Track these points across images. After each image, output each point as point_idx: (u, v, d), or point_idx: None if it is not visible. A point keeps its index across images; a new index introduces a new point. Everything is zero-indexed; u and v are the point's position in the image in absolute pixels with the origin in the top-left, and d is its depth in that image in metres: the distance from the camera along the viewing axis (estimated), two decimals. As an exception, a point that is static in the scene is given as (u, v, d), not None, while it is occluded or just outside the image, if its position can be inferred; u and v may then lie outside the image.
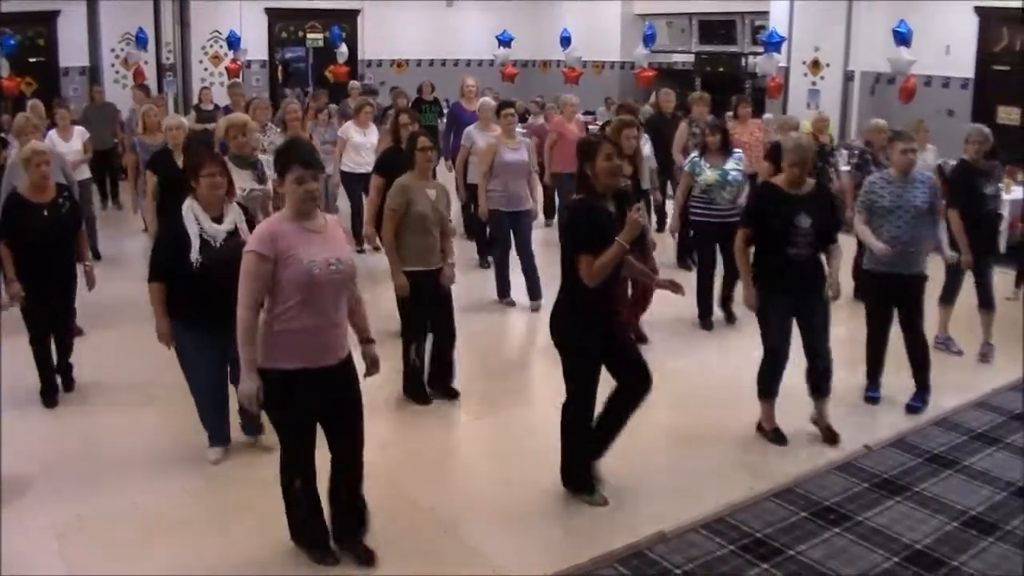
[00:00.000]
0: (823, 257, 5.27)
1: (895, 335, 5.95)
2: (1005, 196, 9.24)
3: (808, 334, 5.31)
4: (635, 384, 4.55)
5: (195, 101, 14.18)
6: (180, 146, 7.17)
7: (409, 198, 5.66)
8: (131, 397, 5.86)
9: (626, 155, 6.05)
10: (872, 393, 6.02)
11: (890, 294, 5.90)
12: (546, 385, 6.39)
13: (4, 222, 5.62)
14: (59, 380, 5.87)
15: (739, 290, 6.17)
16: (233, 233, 4.75)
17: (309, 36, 17.67)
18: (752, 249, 5.33)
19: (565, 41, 15.45)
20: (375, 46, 18.18)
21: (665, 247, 8.97)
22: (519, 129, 9.06)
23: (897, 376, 6.06)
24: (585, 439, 4.61)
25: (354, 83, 14.45)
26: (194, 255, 4.68)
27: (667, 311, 7.33)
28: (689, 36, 17.07)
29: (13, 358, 5.81)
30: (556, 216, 10.98)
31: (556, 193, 10.44)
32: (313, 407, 3.86)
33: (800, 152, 5.16)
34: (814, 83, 13.97)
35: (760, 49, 14.03)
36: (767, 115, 12.20)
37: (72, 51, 15.58)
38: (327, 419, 3.93)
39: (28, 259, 5.55)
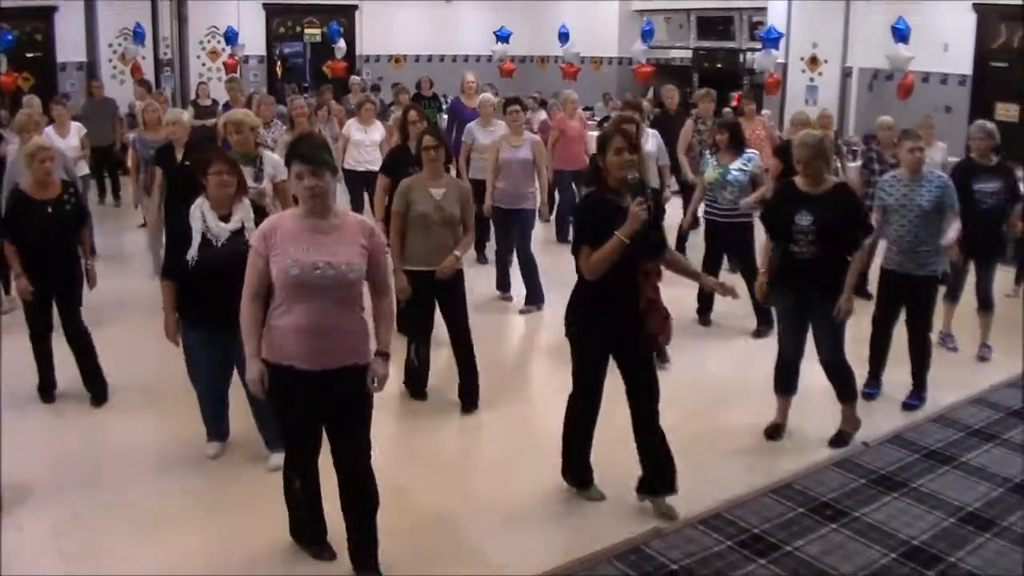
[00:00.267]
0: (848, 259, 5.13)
1: (899, 333, 5.96)
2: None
3: (814, 333, 5.29)
4: (636, 394, 4.46)
5: (192, 96, 14.17)
6: (181, 141, 7.17)
7: (410, 199, 5.63)
8: (130, 395, 5.85)
9: None
10: (869, 390, 6.02)
11: (899, 293, 5.90)
12: (545, 383, 6.43)
13: (7, 219, 5.63)
14: (88, 390, 5.78)
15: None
16: (239, 232, 4.65)
17: (307, 31, 17.65)
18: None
19: (563, 37, 15.46)
20: (373, 42, 18.17)
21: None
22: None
23: (896, 373, 6.07)
24: (585, 434, 4.60)
25: (355, 79, 14.45)
26: (191, 254, 4.67)
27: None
28: (687, 32, 17.07)
29: (11, 357, 5.80)
30: (554, 213, 11.01)
31: (557, 190, 10.45)
32: (312, 408, 3.80)
33: (804, 149, 5.09)
34: (812, 79, 13.97)
35: (758, 45, 14.05)
36: (764, 111, 12.21)
37: (69, 46, 15.54)
38: (329, 424, 3.85)
39: (30, 257, 5.53)
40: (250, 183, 6.04)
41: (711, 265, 7.38)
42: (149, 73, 15.36)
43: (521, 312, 7.81)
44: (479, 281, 8.30)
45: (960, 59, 12.23)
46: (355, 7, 17.89)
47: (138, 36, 15.51)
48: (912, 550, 4.22)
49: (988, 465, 5.10)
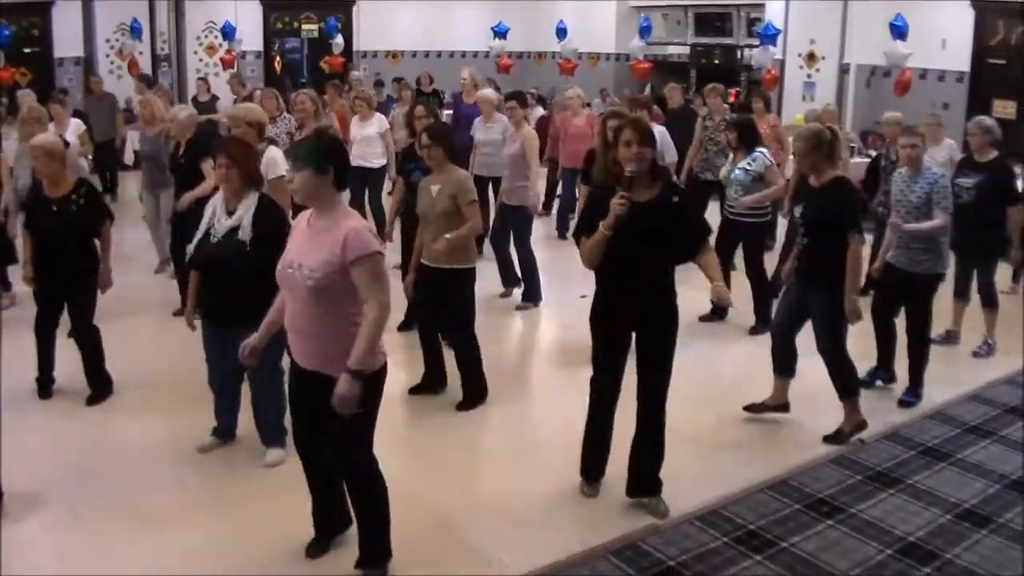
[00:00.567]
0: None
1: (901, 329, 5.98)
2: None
3: (812, 323, 5.34)
4: (641, 390, 4.43)
5: (192, 92, 14.18)
6: (181, 137, 7.23)
7: (417, 199, 5.76)
8: (127, 391, 5.83)
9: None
10: (868, 378, 6.02)
11: (896, 288, 5.93)
12: (544, 381, 6.43)
13: (25, 212, 5.80)
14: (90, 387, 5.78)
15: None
16: (236, 229, 4.56)
17: (304, 27, 17.61)
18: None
19: (561, 33, 15.44)
20: (370, 37, 18.14)
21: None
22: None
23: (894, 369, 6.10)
24: (592, 424, 4.58)
25: (356, 74, 14.41)
26: (189, 247, 4.70)
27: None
28: (685, 28, 17.05)
29: (10, 355, 5.79)
30: (555, 209, 11.02)
31: (560, 187, 10.47)
32: (299, 403, 3.85)
33: (800, 142, 5.17)
34: (809, 76, 13.97)
35: (756, 41, 14.04)
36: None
37: (67, 41, 15.50)
38: (322, 423, 3.77)
39: (40, 252, 5.56)
40: None
41: (720, 259, 7.34)
42: (146, 69, 15.33)
43: (517, 308, 7.81)
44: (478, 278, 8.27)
45: (958, 56, 12.23)
46: (352, 2, 17.86)
47: (135, 31, 15.48)
48: (908, 546, 4.23)
49: (985, 462, 5.11)
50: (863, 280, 5.81)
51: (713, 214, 7.91)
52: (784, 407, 5.61)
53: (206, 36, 16.78)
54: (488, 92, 8.99)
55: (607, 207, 4.13)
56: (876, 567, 4.07)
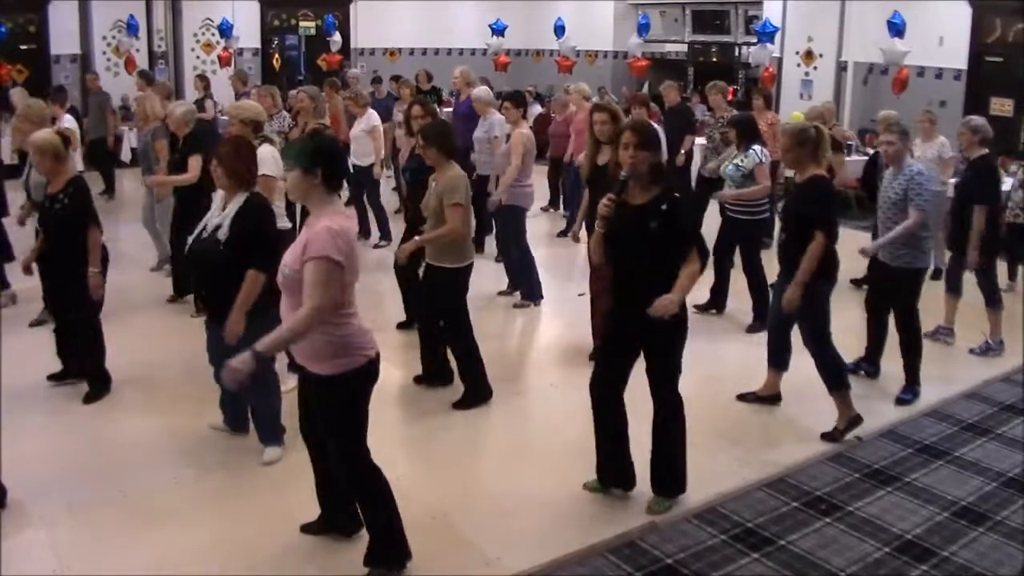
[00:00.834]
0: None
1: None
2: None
3: (796, 319, 5.39)
4: (655, 401, 4.43)
5: (190, 89, 14.17)
6: (178, 134, 7.25)
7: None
8: (124, 387, 5.83)
9: (601, 142, 6.05)
10: (854, 365, 6.06)
11: (881, 282, 5.99)
12: (541, 378, 6.42)
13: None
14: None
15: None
16: (219, 227, 4.60)
17: (302, 24, 17.59)
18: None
19: (559, 30, 15.45)
20: (368, 35, 18.12)
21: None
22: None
23: (889, 366, 6.10)
24: (596, 429, 4.55)
25: (353, 71, 14.40)
26: (189, 240, 4.80)
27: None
28: (682, 26, 17.05)
29: (9, 352, 5.79)
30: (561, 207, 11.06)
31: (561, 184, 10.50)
32: (303, 398, 3.93)
33: (783, 138, 5.35)
34: (807, 73, 13.97)
35: (753, 39, 14.04)
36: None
37: (63, 38, 15.48)
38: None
39: (41, 248, 5.64)
40: None
41: (718, 255, 7.38)
42: (143, 65, 15.29)
43: (515, 307, 7.81)
44: (476, 276, 8.27)
45: (955, 53, 12.23)
46: (350, 0, 17.84)
47: (132, 28, 15.46)
48: (906, 544, 4.24)
49: (982, 459, 5.12)
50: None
51: (713, 212, 7.93)
52: (776, 398, 5.66)
53: (203, 33, 16.75)
54: (479, 91, 9.00)
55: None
56: (873, 564, 4.08)
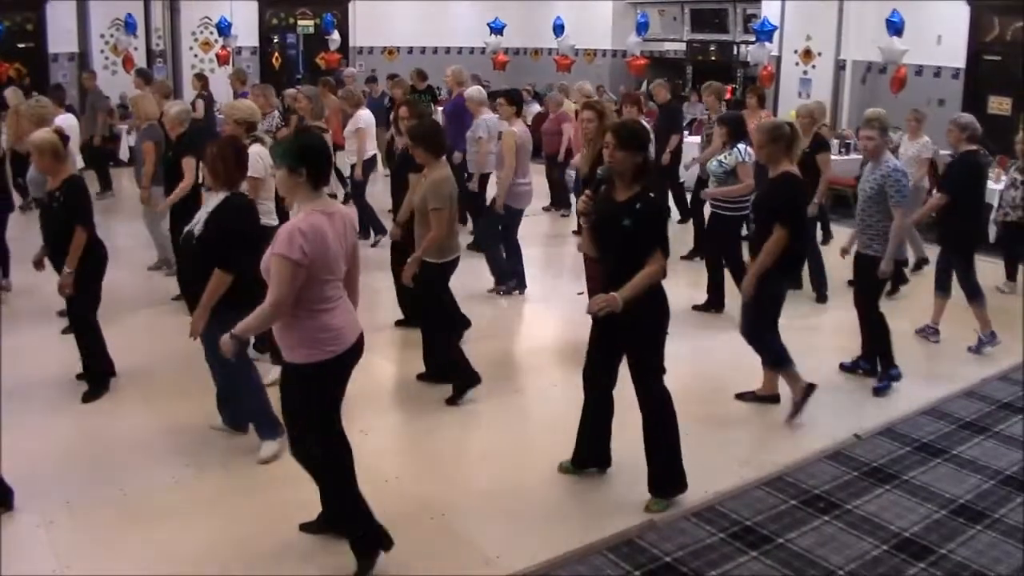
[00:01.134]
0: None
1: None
2: (992, 185, 9.31)
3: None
4: (639, 399, 4.47)
5: (188, 88, 14.14)
6: (172, 133, 7.24)
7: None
8: (124, 386, 5.83)
9: (589, 139, 6.10)
10: (852, 364, 6.22)
11: (856, 272, 6.16)
12: (539, 375, 6.42)
13: None
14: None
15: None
16: (198, 223, 4.76)
17: (300, 23, 17.58)
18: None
19: (558, 29, 15.44)
20: (367, 33, 18.11)
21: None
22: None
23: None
24: (582, 411, 4.67)
25: (350, 70, 14.39)
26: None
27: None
28: (681, 24, 17.05)
29: (9, 352, 5.80)
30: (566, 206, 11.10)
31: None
32: None
33: (757, 134, 5.53)
34: (805, 72, 13.98)
35: (752, 38, 14.04)
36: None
37: (61, 37, 15.46)
38: None
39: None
40: None
41: (707, 253, 7.43)
42: (141, 64, 15.25)
43: (490, 291, 7.92)
44: (476, 274, 8.29)
45: (953, 52, 12.24)
46: (348, -2, 17.86)
47: (130, 27, 15.42)
48: (904, 542, 4.24)
49: (979, 457, 5.13)
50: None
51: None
52: (774, 398, 5.68)
53: (201, 32, 16.73)
54: (471, 90, 9.03)
55: (595, 203, 4.37)
56: (871, 562, 4.09)
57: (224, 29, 15.85)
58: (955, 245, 6.82)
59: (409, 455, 5.15)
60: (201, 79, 13.13)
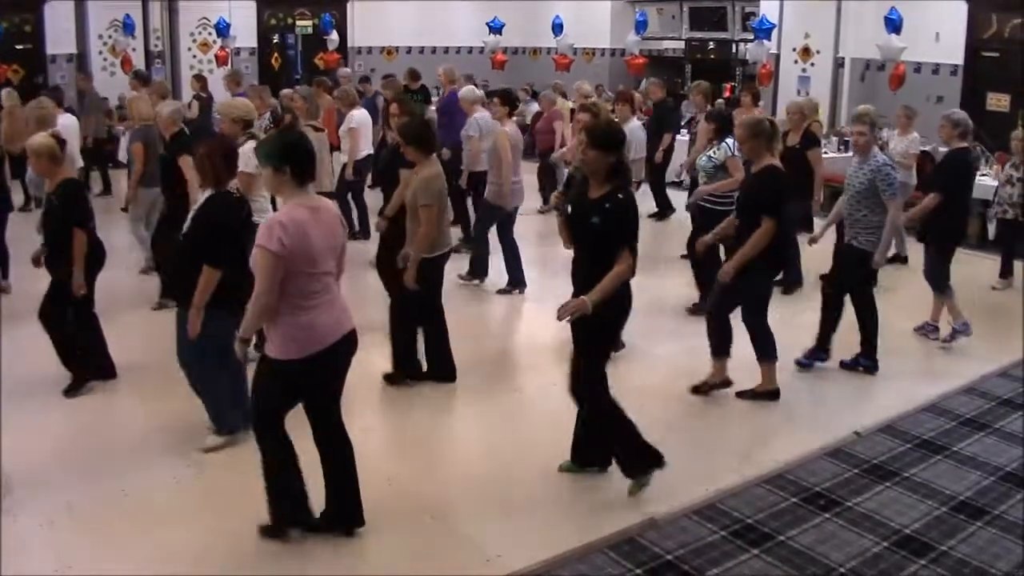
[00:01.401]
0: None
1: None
2: (990, 182, 9.34)
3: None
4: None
5: (186, 89, 14.14)
6: (166, 133, 7.29)
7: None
8: (123, 385, 5.84)
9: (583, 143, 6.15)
10: (849, 361, 6.26)
11: (841, 264, 6.29)
12: (538, 372, 6.42)
13: None
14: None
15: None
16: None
17: (298, 23, 17.58)
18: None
19: (557, 28, 15.43)
20: (365, 33, 18.10)
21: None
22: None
23: (888, 362, 6.10)
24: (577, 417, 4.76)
25: (345, 70, 14.39)
26: None
27: (655, 297, 7.38)
28: (680, 23, 17.03)
29: (7, 349, 5.80)
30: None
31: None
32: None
33: (738, 129, 5.69)
34: (804, 70, 13.97)
35: (750, 36, 14.04)
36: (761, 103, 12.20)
37: (59, 38, 15.46)
38: None
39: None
40: None
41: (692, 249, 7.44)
42: (140, 65, 15.26)
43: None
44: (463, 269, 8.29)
45: (952, 49, 12.24)
46: (347, -2, 17.85)
47: (128, 28, 15.42)
48: (904, 539, 4.25)
49: (980, 454, 5.13)
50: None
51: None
52: (774, 394, 5.71)
53: (200, 32, 16.72)
54: (464, 90, 9.06)
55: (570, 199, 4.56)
56: (872, 559, 4.09)
57: (222, 30, 15.84)
58: (937, 240, 6.83)
59: (409, 454, 5.15)
60: (200, 80, 13.11)
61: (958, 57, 12.27)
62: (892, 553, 4.13)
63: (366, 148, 9.62)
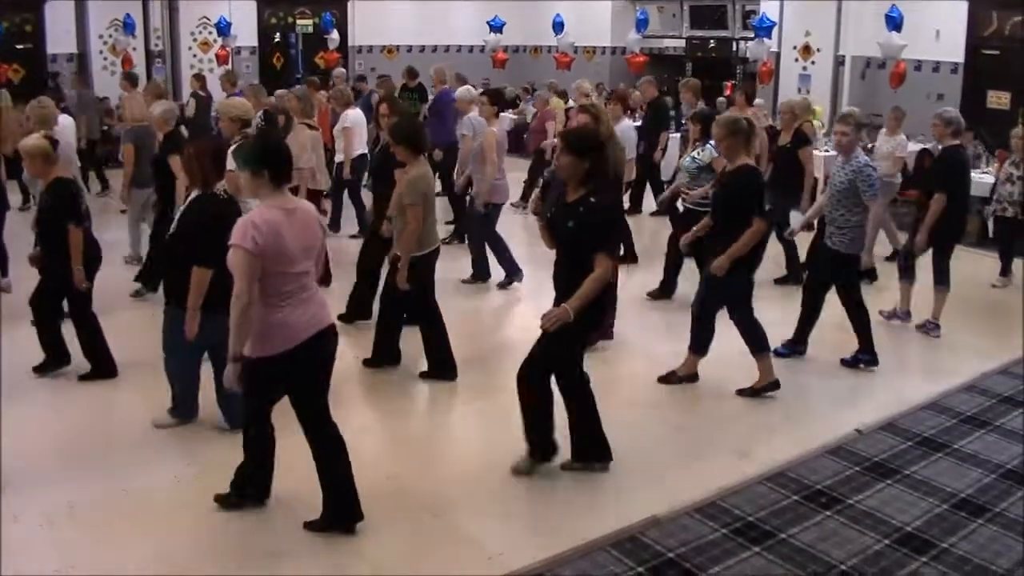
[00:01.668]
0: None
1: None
2: (988, 179, 9.35)
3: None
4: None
5: (186, 88, 14.14)
6: (160, 132, 7.33)
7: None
8: (122, 384, 5.84)
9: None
10: (849, 359, 6.25)
11: (815, 262, 6.38)
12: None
13: None
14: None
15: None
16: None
17: (299, 22, 17.58)
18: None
19: (558, 27, 15.44)
20: (366, 32, 18.10)
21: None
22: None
23: (888, 360, 6.10)
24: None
25: (340, 70, 14.40)
26: None
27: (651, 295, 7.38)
28: (680, 21, 17.04)
29: (6, 343, 5.80)
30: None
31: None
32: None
33: (716, 128, 5.73)
34: (805, 68, 13.97)
35: (751, 34, 14.04)
36: (758, 100, 12.20)
37: (60, 37, 15.47)
38: None
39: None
40: None
41: (673, 250, 7.44)
42: (140, 65, 15.28)
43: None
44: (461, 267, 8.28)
45: (952, 47, 12.24)
46: (347, -4, 17.85)
47: (128, 27, 15.43)
48: (905, 536, 4.24)
49: (981, 452, 5.13)
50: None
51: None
52: (773, 385, 5.74)
53: (200, 32, 16.72)
54: (461, 90, 9.08)
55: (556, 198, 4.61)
56: (873, 557, 4.09)
57: (223, 29, 15.85)
58: (936, 237, 6.81)
59: (409, 452, 5.15)
60: (199, 79, 13.11)
61: (958, 55, 12.28)
62: (893, 550, 4.13)
63: (361, 147, 9.61)
